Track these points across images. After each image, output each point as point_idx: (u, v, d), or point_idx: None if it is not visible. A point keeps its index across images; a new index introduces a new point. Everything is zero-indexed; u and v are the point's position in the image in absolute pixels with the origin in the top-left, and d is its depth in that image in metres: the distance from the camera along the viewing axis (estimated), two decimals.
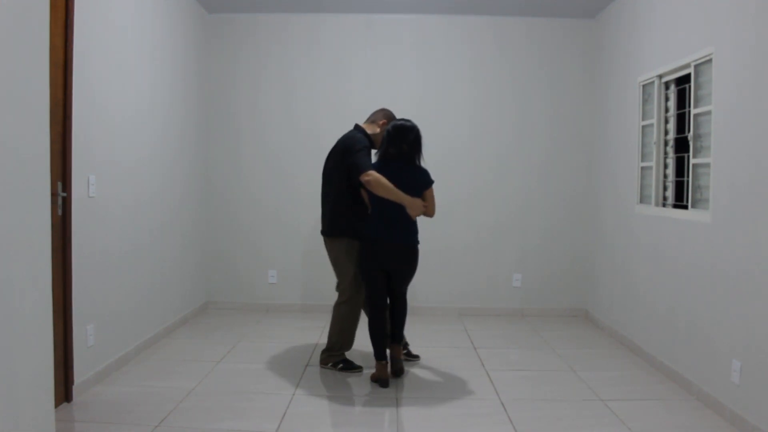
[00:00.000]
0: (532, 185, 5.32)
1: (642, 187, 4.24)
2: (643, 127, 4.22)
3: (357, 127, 3.72)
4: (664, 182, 4.00)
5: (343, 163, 3.50)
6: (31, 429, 2.02)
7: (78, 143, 3.11)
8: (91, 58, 3.26)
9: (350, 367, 3.66)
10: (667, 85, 3.96)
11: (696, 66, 3.48)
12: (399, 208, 3.38)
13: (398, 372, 3.54)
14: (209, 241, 5.36)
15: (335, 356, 3.69)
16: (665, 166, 4.00)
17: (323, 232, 3.70)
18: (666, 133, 4.00)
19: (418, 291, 5.36)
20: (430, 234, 5.35)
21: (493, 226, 5.31)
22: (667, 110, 3.99)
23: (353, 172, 3.41)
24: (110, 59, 3.50)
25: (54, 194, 2.90)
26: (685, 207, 3.60)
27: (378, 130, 3.67)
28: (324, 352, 3.74)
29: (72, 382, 3.06)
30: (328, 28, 5.28)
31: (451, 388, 3.43)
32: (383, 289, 3.51)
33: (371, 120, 3.75)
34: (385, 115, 3.74)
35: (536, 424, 2.94)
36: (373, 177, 3.31)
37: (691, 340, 3.40)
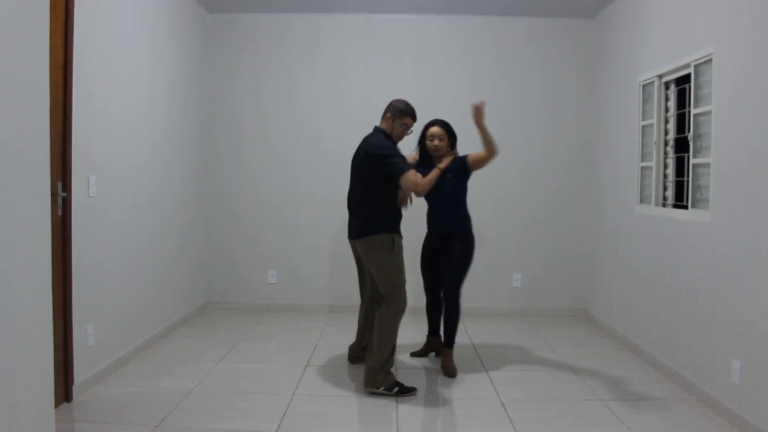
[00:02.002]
0: (531, 185, 5.32)
1: (642, 187, 4.24)
2: (643, 127, 4.22)
3: (376, 128, 3.58)
4: (664, 182, 4.00)
5: (373, 168, 3.37)
6: (31, 429, 2.02)
7: (78, 143, 3.11)
8: (91, 58, 3.26)
9: (406, 390, 3.31)
10: (667, 85, 3.96)
11: (696, 66, 3.48)
12: (441, 199, 3.69)
13: (449, 374, 3.63)
14: (209, 241, 5.36)
15: (388, 378, 3.32)
16: (665, 166, 4.00)
17: (352, 236, 3.52)
18: (666, 133, 4.00)
19: (417, 291, 5.35)
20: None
21: (493, 225, 5.31)
22: (667, 110, 3.99)
23: (392, 178, 3.32)
24: (110, 59, 3.50)
25: (54, 194, 2.90)
26: (685, 207, 3.60)
27: (386, 124, 3.54)
28: (371, 371, 3.32)
29: (72, 382, 3.06)
30: (328, 28, 5.28)
31: (451, 388, 3.43)
32: (432, 279, 3.84)
33: (383, 116, 3.59)
34: (392, 107, 3.55)
35: (536, 424, 2.94)
36: (421, 183, 3.33)
37: (691, 340, 3.40)
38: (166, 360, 3.85)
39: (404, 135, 3.58)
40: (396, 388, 3.28)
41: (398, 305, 3.37)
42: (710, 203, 3.24)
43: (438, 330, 3.92)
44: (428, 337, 4.01)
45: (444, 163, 3.64)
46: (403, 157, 3.39)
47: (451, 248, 3.70)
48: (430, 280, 3.86)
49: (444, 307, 3.73)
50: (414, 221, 4.19)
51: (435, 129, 3.72)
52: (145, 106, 4.01)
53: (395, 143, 3.52)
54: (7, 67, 1.88)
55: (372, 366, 3.31)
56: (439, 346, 3.90)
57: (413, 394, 3.29)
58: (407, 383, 3.39)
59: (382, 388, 3.27)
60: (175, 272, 4.59)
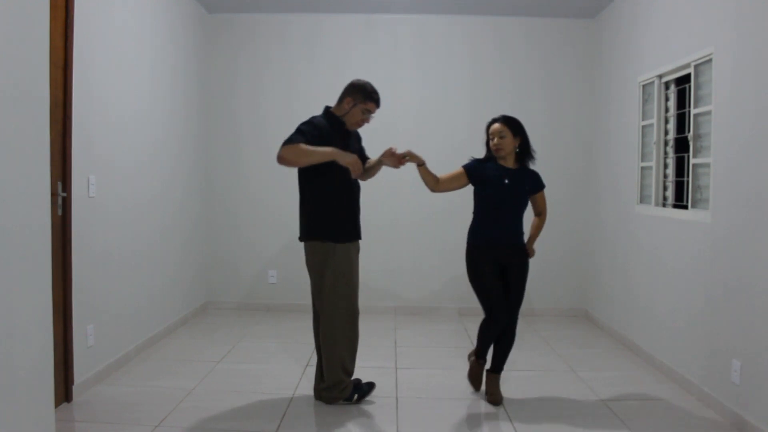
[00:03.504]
0: None
1: (642, 187, 4.24)
2: (643, 127, 4.22)
3: (326, 109, 3.18)
4: (664, 182, 4.00)
5: None
6: (31, 429, 2.02)
7: (78, 143, 3.11)
8: (91, 58, 3.26)
9: (365, 391, 3.18)
10: (667, 85, 3.96)
11: (696, 66, 3.48)
12: (503, 207, 3.21)
13: (496, 403, 3.21)
14: (209, 241, 5.36)
15: (344, 391, 3.12)
16: (665, 166, 4.00)
17: (299, 238, 3.15)
18: (666, 133, 4.00)
19: (418, 291, 5.36)
20: (430, 234, 5.35)
21: None
22: (667, 110, 3.99)
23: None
24: (110, 59, 3.50)
25: (54, 194, 2.90)
26: (685, 207, 3.60)
27: (342, 109, 3.10)
28: (325, 390, 3.12)
29: (72, 382, 3.06)
30: (328, 28, 5.28)
31: (451, 388, 3.43)
32: (500, 292, 3.20)
33: (339, 99, 3.14)
34: (354, 90, 3.08)
35: (536, 424, 2.94)
36: (286, 148, 2.86)
37: (691, 340, 3.40)
38: (166, 360, 3.85)
39: (364, 123, 3.14)
40: (356, 396, 3.15)
41: (340, 319, 3.04)
42: (710, 203, 3.24)
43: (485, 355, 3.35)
44: (477, 361, 3.37)
45: (389, 159, 3.12)
46: (308, 132, 2.93)
47: (513, 268, 3.23)
48: (501, 301, 3.21)
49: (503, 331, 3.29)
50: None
51: (495, 126, 3.24)
52: (146, 106, 4.01)
53: (344, 128, 3.10)
54: (7, 67, 1.88)
55: (326, 385, 3.11)
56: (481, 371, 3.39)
57: (373, 389, 3.23)
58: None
59: (341, 402, 3.13)
60: (175, 272, 4.59)
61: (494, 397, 3.22)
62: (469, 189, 3.37)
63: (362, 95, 3.06)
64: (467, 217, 5.58)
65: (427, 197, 4.93)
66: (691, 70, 3.54)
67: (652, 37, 4.04)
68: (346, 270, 3.04)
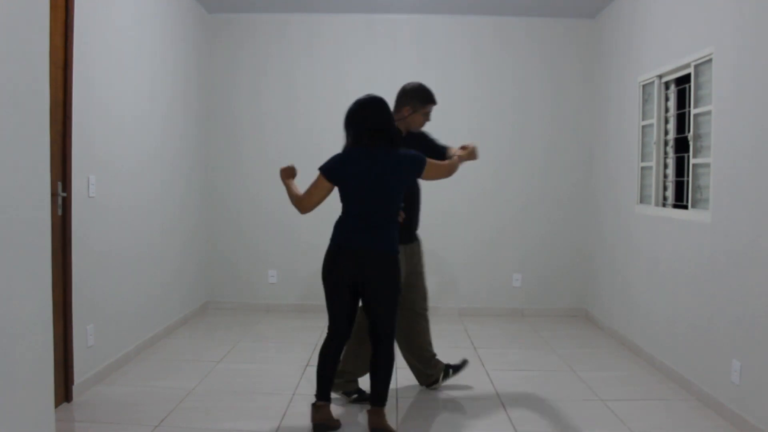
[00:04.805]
0: (532, 185, 5.32)
1: (642, 187, 4.25)
2: (643, 127, 4.22)
3: None
4: (664, 182, 4.00)
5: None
6: (31, 429, 2.02)
7: (78, 143, 3.11)
8: (91, 58, 3.26)
9: (365, 397, 3.11)
10: (667, 85, 3.96)
11: (696, 66, 3.48)
12: (373, 207, 2.72)
13: None
14: (210, 241, 5.36)
15: (349, 384, 3.14)
16: (665, 166, 4.00)
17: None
18: (666, 133, 4.00)
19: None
20: (430, 234, 5.35)
21: (494, 225, 5.31)
22: (667, 110, 3.99)
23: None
24: (110, 59, 3.51)
25: (54, 194, 2.90)
26: (685, 207, 3.60)
27: (402, 121, 3.09)
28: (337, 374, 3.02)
29: (72, 382, 3.06)
30: (328, 28, 5.28)
31: (451, 388, 3.43)
32: (346, 311, 2.80)
33: (395, 110, 3.09)
34: (409, 97, 3.07)
35: (536, 424, 2.94)
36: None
37: (691, 340, 3.40)
38: (166, 360, 3.85)
39: (425, 123, 3.18)
40: (354, 395, 3.14)
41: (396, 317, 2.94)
42: (710, 203, 3.24)
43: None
44: (323, 405, 2.77)
45: None
46: None
47: (372, 271, 2.70)
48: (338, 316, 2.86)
49: (379, 353, 2.74)
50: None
51: None
52: (146, 106, 4.01)
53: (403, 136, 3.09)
54: (7, 66, 1.88)
55: (340, 369, 3.02)
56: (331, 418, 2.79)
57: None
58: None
59: (340, 393, 3.13)
60: (175, 272, 4.59)
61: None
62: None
63: (420, 101, 3.10)
64: (467, 217, 5.59)
65: (427, 198, 4.94)
66: (691, 70, 3.54)
67: (652, 37, 4.04)
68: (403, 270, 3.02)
